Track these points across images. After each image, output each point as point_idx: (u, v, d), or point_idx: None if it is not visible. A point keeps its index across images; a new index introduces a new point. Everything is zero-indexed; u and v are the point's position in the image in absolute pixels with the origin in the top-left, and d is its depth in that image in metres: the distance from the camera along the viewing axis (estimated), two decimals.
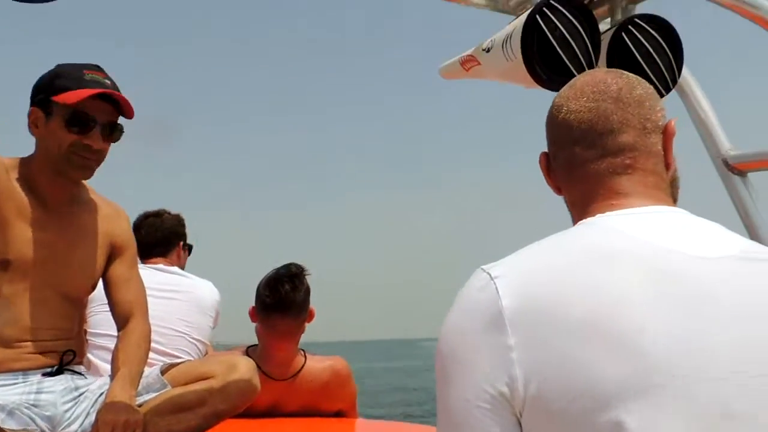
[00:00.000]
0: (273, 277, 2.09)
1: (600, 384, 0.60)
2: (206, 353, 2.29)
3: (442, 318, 0.72)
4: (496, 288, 0.66)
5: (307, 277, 2.14)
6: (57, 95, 1.44)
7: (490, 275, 0.68)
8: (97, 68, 1.52)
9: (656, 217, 0.74)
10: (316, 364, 2.20)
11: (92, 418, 1.44)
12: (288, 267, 2.11)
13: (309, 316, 2.14)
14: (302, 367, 2.16)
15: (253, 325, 2.16)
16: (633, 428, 0.59)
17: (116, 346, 1.57)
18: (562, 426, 0.61)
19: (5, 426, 1.31)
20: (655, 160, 0.79)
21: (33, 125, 1.50)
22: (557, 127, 0.82)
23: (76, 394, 1.48)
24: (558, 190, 0.86)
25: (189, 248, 2.64)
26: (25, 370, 1.43)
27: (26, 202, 1.48)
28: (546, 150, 0.87)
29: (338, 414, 2.27)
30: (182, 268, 2.54)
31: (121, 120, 1.54)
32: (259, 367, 1.91)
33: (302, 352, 2.20)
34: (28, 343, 1.44)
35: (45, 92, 1.48)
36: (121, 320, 1.61)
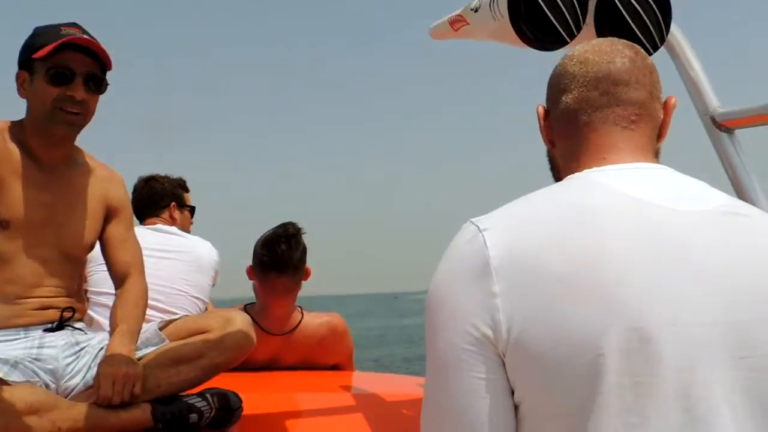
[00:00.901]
0: (270, 237, 2.12)
1: (579, 332, 0.64)
2: (206, 311, 2.35)
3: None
4: (484, 240, 0.70)
5: (303, 236, 2.18)
6: (36, 53, 1.47)
7: (478, 227, 0.72)
8: (75, 25, 1.54)
9: (641, 173, 0.77)
10: (313, 320, 2.26)
11: (93, 371, 1.49)
12: (284, 226, 2.15)
13: (305, 274, 2.19)
14: (299, 322, 2.22)
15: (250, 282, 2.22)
16: (610, 372, 0.63)
17: (114, 304, 1.62)
18: (542, 369, 0.65)
19: (9, 378, 1.36)
20: (653, 125, 0.82)
21: (21, 87, 1.53)
22: (569, 74, 0.83)
23: (77, 348, 1.53)
24: (551, 143, 0.88)
25: (191, 210, 2.68)
26: (27, 326, 1.48)
27: (22, 163, 1.51)
28: (543, 104, 0.88)
29: (335, 368, 2.34)
30: (184, 229, 2.58)
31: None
32: (257, 323, 1.97)
33: (299, 309, 2.26)
34: (29, 300, 1.49)
35: (27, 53, 1.51)
36: (119, 279, 1.66)
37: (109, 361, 1.43)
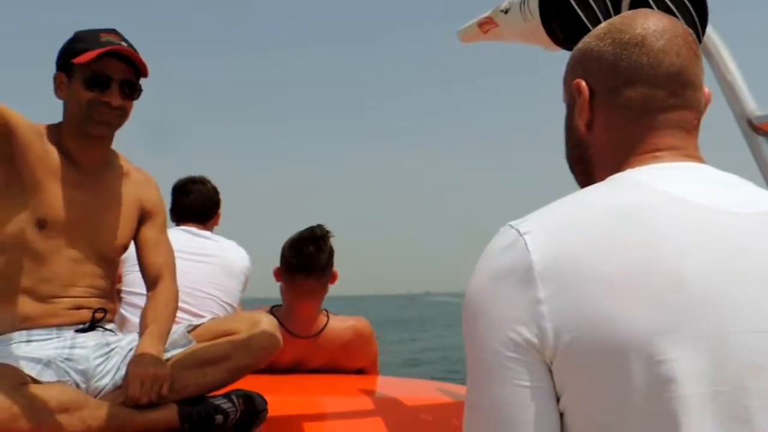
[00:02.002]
0: (297, 239, 2.13)
1: (634, 337, 0.61)
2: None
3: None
4: (525, 243, 0.67)
5: (331, 239, 2.18)
6: (75, 57, 1.51)
7: (518, 231, 0.68)
8: (114, 31, 1.58)
9: (687, 173, 0.73)
10: (338, 324, 2.25)
11: (123, 372, 1.51)
12: (312, 229, 2.15)
13: (332, 277, 2.19)
14: (325, 326, 2.21)
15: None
16: (664, 376, 0.60)
17: (145, 305, 1.64)
18: (594, 376, 0.62)
19: (42, 378, 1.38)
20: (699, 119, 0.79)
21: (58, 89, 1.58)
22: (633, 65, 0.76)
23: (107, 349, 1.55)
24: (587, 126, 0.80)
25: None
26: (60, 326, 1.51)
27: (60, 165, 1.55)
28: (582, 78, 0.79)
29: (359, 372, 2.34)
30: (211, 229, 2.61)
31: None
32: (283, 325, 1.98)
33: (325, 312, 2.26)
34: (63, 300, 1.52)
35: (66, 56, 1.55)
36: (151, 282, 1.68)
37: (137, 361, 1.45)
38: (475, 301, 0.69)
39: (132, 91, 1.57)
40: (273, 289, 2.26)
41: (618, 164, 0.76)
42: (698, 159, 0.76)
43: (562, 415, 0.66)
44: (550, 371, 0.65)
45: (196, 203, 2.54)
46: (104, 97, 1.52)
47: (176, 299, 1.69)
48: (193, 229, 2.48)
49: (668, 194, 0.69)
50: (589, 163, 0.82)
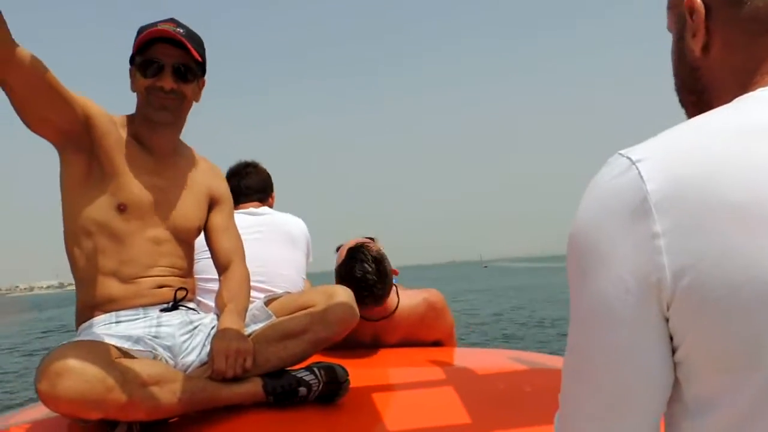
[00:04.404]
0: (351, 271, 2.04)
1: (759, 268, 0.54)
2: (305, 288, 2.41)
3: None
4: (639, 172, 0.59)
5: (382, 249, 2.14)
6: (136, 47, 1.58)
7: (630, 159, 0.61)
8: (171, 20, 1.63)
9: None
10: (410, 300, 2.23)
11: (207, 349, 1.55)
12: (364, 254, 2.06)
13: (393, 274, 2.16)
14: (397, 305, 2.20)
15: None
16: None
17: (220, 287, 1.69)
18: (723, 318, 0.56)
19: (133, 352, 1.44)
20: None
21: (131, 82, 1.64)
22: None
23: (190, 327, 1.60)
24: (703, 49, 0.72)
25: None
26: (145, 306, 1.56)
27: (136, 152, 1.61)
28: None
29: (436, 344, 2.32)
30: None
31: None
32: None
33: (395, 290, 2.23)
34: (145, 280, 1.57)
35: (133, 49, 1.61)
36: (222, 266, 1.74)
37: (221, 336, 1.49)
38: (583, 238, 0.63)
39: (186, 74, 1.60)
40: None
41: (742, 86, 0.68)
42: None
43: (677, 363, 0.61)
44: (665, 318, 0.59)
45: (253, 184, 2.67)
46: (158, 82, 1.57)
47: (248, 280, 1.74)
48: (252, 209, 2.56)
49: None
50: (704, 92, 0.74)
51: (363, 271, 2.03)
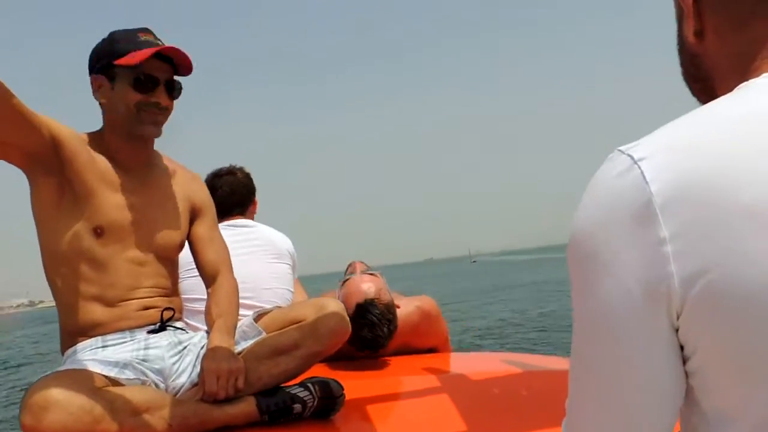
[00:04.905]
0: (361, 331, 2.01)
1: None
2: (296, 297, 2.36)
3: None
4: (642, 172, 0.55)
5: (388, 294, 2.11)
6: (118, 59, 1.49)
7: (632, 157, 0.56)
8: (149, 31, 1.56)
9: None
10: (403, 308, 2.21)
11: (198, 369, 1.51)
12: (374, 314, 2.02)
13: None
14: None
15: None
16: None
17: (208, 301, 1.64)
18: (739, 327, 0.52)
19: (121, 379, 1.40)
20: None
21: (97, 92, 1.55)
22: None
23: (180, 348, 1.56)
24: (697, 35, 0.68)
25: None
26: (132, 329, 1.52)
27: (108, 170, 1.55)
28: None
29: (431, 351, 2.30)
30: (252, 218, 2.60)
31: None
32: None
33: None
34: (130, 302, 1.53)
35: (106, 57, 1.52)
36: (209, 278, 1.68)
37: (211, 356, 1.45)
38: (584, 243, 0.59)
39: (173, 90, 1.57)
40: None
41: (742, 72, 0.64)
42: None
43: (688, 374, 0.58)
44: (675, 328, 0.55)
45: (226, 197, 2.47)
46: (153, 98, 1.52)
47: (237, 292, 1.68)
48: (234, 222, 2.45)
49: None
50: (707, 79, 0.70)
51: (374, 334, 2.00)
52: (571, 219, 0.62)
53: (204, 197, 1.75)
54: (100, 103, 1.56)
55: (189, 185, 1.71)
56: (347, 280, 2.11)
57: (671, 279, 0.53)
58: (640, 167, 0.55)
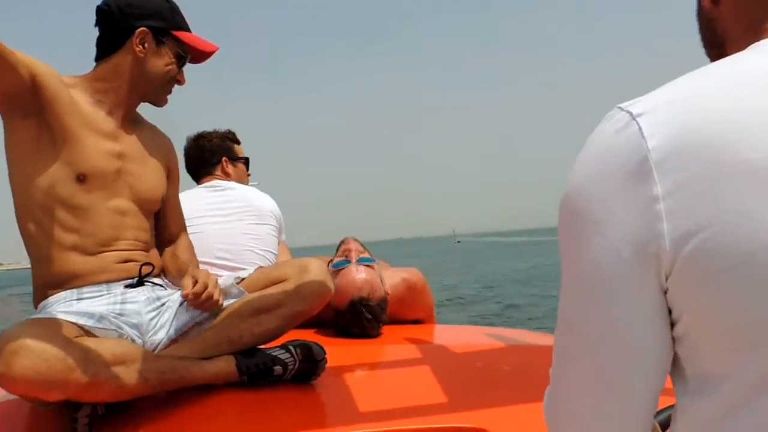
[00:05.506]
0: (351, 325, 2.00)
1: None
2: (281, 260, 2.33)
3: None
4: (640, 128, 0.54)
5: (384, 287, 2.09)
6: (178, 32, 1.57)
7: (630, 113, 0.55)
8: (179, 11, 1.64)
9: None
10: (390, 279, 2.19)
11: (177, 325, 1.49)
12: (366, 314, 2.00)
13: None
14: None
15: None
16: None
17: (170, 252, 1.68)
18: (731, 290, 0.51)
19: (96, 331, 1.36)
20: None
21: (137, 43, 1.53)
22: None
23: (158, 303, 1.52)
24: (712, 0, 0.68)
25: (245, 162, 2.65)
26: (109, 282, 1.47)
27: (93, 116, 1.50)
28: None
29: (416, 322, 2.29)
30: (241, 182, 2.56)
31: None
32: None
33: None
34: (109, 254, 1.48)
35: (165, 22, 1.56)
36: (169, 238, 1.72)
37: (192, 271, 1.51)
38: (576, 202, 0.58)
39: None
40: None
41: (754, 33, 0.63)
42: None
43: (675, 339, 0.56)
44: (664, 290, 0.54)
45: (191, 161, 2.54)
46: (179, 76, 1.61)
47: (194, 251, 1.76)
48: (214, 182, 2.44)
49: None
50: (722, 44, 0.69)
51: (364, 331, 1.99)
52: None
53: (176, 161, 1.76)
54: (133, 52, 1.54)
55: (165, 145, 1.71)
56: (342, 269, 2.07)
57: (662, 239, 0.52)
58: (638, 123, 0.54)
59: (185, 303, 1.49)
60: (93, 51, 1.59)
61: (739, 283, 0.50)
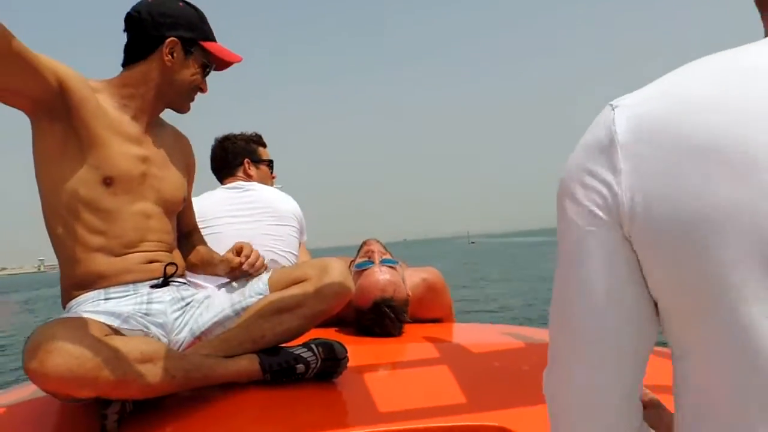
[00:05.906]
0: (373, 325, 2.02)
1: (712, 208, 0.54)
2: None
3: None
4: (614, 117, 0.62)
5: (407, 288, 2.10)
6: (206, 42, 1.60)
7: (611, 105, 0.64)
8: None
9: None
10: (410, 280, 2.21)
11: (200, 322, 1.52)
12: (390, 315, 2.03)
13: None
14: None
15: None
16: (736, 257, 0.53)
17: (189, 246, 1.76)
18: (672, 249, 0.56)
19: (124, 330, 1.39)
20: None
21: (167, 53, 1.57)
22: None
23: (182, 303, 1.55)
24: None
25: (269, 164, 2.68)
26: (135, 282, 1.50)
27: (119, 120, 1.53)
28: None
29: (435, 321, 2.30)
30: (265, 183, 2.59)
31: None
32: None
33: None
34: (135, 255, 1.51)
35: (195, 32, 1.59)
36: (185, 233, 1.79)
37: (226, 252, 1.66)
38: (564, 179, 0.65)
39: None
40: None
41: None
42: None
43: (656, 304, 0.60)
44: (635, 252, 0.59)
45: (214, 162, 2.61)
46: (202, 84, 1.65)
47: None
48: (234, 184, 2.48)
49: None
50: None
51: (386, 331, 2.01)
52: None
53: (194, 161, 1.80)
54: (162, 60, 1.57)
55: (185, 146, 1.75)
56: (366, 269, 2.08)
57: (623, 206, 0.58)
58: (614, 111, 0.62)
59: (207, 301, 1.52)
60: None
61: (676, 245, 0.56)
